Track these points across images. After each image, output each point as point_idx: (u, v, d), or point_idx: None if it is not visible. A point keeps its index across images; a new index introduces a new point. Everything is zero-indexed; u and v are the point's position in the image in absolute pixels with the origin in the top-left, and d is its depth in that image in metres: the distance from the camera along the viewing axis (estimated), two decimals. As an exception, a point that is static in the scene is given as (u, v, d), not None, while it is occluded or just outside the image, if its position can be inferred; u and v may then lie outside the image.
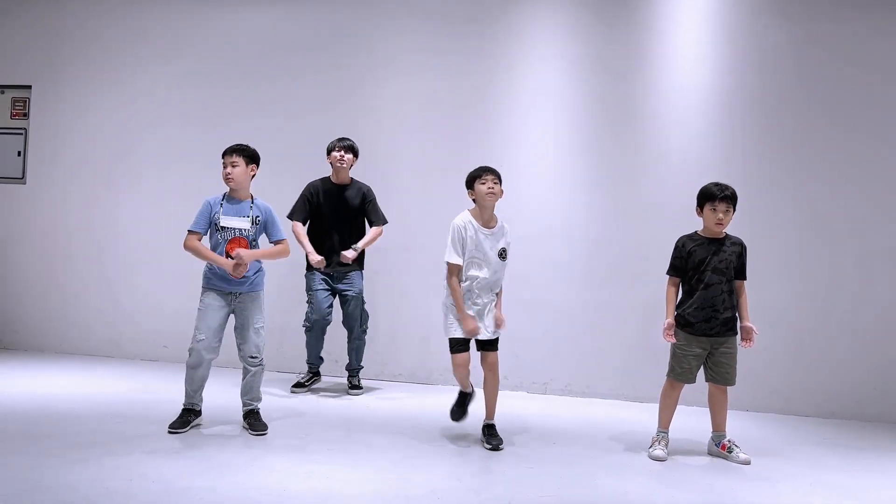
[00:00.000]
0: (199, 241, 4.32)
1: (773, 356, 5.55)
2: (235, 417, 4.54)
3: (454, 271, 4.22)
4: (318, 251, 5.35)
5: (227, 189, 4.40)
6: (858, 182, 5.58)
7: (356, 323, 5.47)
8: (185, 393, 4.38)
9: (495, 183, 4.26)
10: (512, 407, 5.29)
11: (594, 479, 3.76)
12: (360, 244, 5.40)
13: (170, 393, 5.02)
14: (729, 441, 4.26)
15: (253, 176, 4.43)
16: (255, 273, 4.37)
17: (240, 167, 4.33)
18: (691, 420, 4.83)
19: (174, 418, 4.33)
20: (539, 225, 5.91)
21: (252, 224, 4.36)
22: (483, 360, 4.31)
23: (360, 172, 5.61)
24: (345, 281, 5.40)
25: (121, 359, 6.47)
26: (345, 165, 5.42)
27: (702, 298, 4.15)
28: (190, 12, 6.63)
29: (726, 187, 4.18)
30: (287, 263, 5.53)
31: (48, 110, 6.85)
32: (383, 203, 5.60)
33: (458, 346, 4.26)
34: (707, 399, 4.36)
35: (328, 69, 6.33)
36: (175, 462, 3.73)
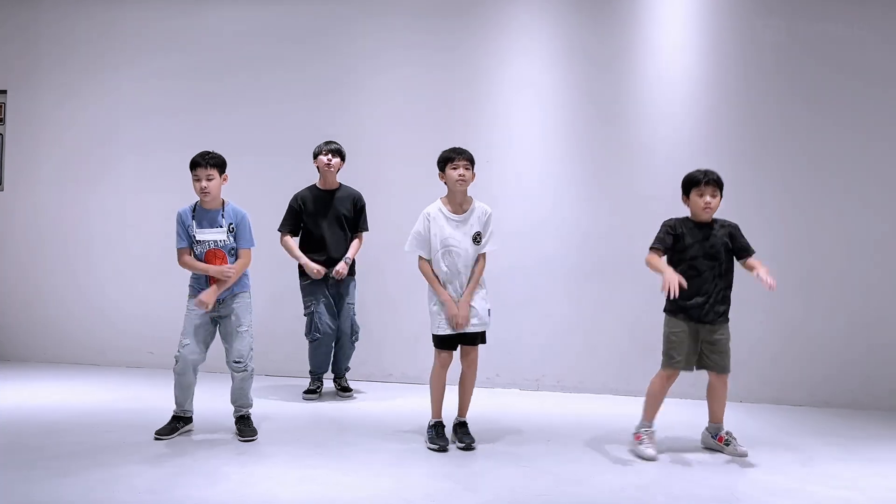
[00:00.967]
0: (189, 255, 4.26)
1: (764, 346, 5.55)
2: (227, 424, 4.47)
3: (420, 261, 4.18)
4: (313, 260, 5.25)
5: (198, 199, 4.29)
6: (844, 172, 5.58)
7: (346, 335, 5.40)
8: (175, 400, 4.31)
9: (467, 168, 4.17)
10: (504, 404, 5.27)
11: (590, 477, 3.72)
12: (349, 255, 5.32)
13: (157, 401, 4.94)
14: (726, 433, 4.22)
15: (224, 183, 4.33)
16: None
17: (215, 180, 4.22)
18: (684, 413, 4.80)
19: (162, 425, 4.25)
20: (527, 220, 5.87)
21: (228, 233, 4.26)
22: (464, 355, 4.23)
23: (346, 171, 5.53)
24: (340, 290, 5.35)
25: (106, 367, 6.36)
26: (332, 170, 5.34)
27: (694, 285, 4.10)
28: (169, 8, 6.51)
29: (710, 172, 4.14)
30: (272, 265, 5.51)
31: (25, 115, 6.72)
32: (370, 201, 5.54)
33: (442, 344, 4.19)
34: (706, 390, 4.30)
35: (311, 65, 6.25)
36: (164, 470, 3.65)
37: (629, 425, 4.72)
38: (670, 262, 4.16)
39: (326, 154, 5.31)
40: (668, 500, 3.43)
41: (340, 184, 5.44)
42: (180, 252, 4.26)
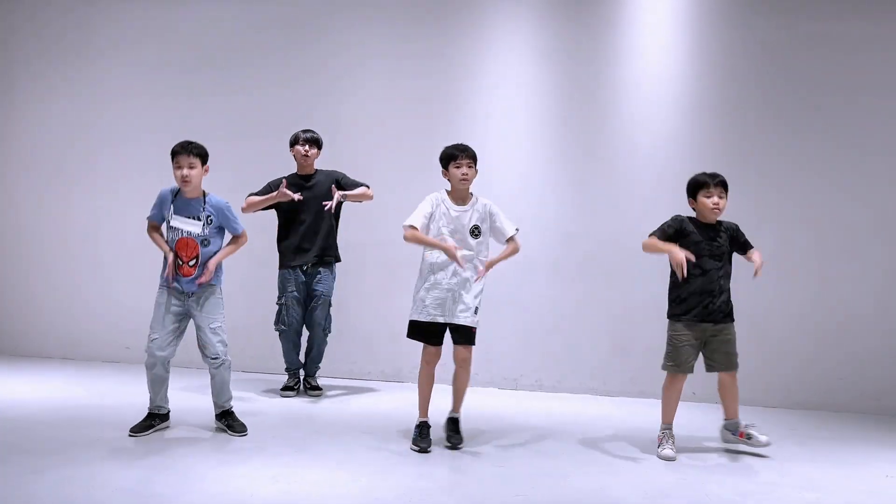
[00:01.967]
0: (157, 231, 4.28)
1: (741, 347, 5.56)
2: (203, 421, 4.44)
3: (408, 232, 4.09)
4: (292, 248, 5.24)
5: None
6: (818, 176, 5.62)
7: (319, 326, 5.35)
8: (150, 396, 4.27)
9: (469, 167, 4.20)
10: (483, 403, 5.26)
11: (566, 477, 3.73)
12: (348, 193, 5.24)
13: (132, 396, 4.89)
14: (745, 426, 4.24)
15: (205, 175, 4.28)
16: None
17: (197, 169, 4.18)
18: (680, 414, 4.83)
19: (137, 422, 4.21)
20: (510, 219, 5.86)
21: (204, 226, 4.22)
22: (455, 355, 4.22)
23: (327, 166, 5.49)
24: (316, 280, 5.30)
25: (80, 361, 6.30)
26: (309, 160, 5.31)
27: (699, 284, 4.13)
28: (151, 9, 6.43)
29: (717, 174, 4.20)
30: (249, 260, 5.46)
31: (3, 114, 6.64)
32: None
33: (422, 335, 4.15)
34: (718, 389, 4.33)
35: (294, 69, 6.21)
36: (137, 468, 3.62)
37: (606, 425, 4.77)
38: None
39: (304, 144, 5.29)
40: (643, 499, 3.45)
41: (317, 170, 5.40)
42: (150, 224, 4.30)
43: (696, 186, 4.20)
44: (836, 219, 5.60)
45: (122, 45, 6.47)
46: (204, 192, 4.29)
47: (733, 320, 4.25)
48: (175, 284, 4.19)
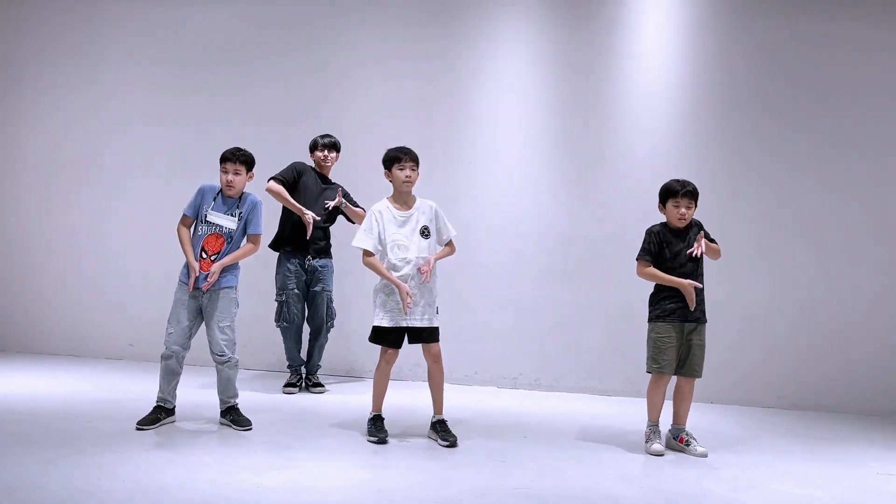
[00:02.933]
0: (190, 226, 4.35)
1: (736, 349, 5.66)
2: (209, 415, 4.51)
3: (365, 256, 4.22)
4: (293, 238, 5.30)
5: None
6: (820, 177, 5.70)
7: (322, 321, 5.44)
8: (159, 386, 4.35)
9: (413, 169, 4.29)
10: (482, 401, 5.34)
11: (565, 473, 3.81)
12: (346, 207, 5.33)
13: (137, 392, 4.97)
14: (686, 434, 4.34)
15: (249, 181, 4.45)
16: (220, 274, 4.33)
17: (241, 175, 4.36)
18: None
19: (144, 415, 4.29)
20: (506, 220, 5.95)
21: (238, 221, 4.35)
22: (425, 351, 4.29)
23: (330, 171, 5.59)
24: (317, 276, 5.38)
25: (86, 358, 6.36)
26: (329, 164, 5.44)
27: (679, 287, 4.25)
28: (154, 8, 6.52)
29: (687, 183, 4.28)
30: (254, 260, 5.53)
31: (6, 111, 6.71)
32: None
33: (384, 339, 4.23)
34: (674, 392, 4.40)
35: (295, 69, 6.28)
36: (146, 460, 3.69)
37: (603, 423, 4.84)
38: (658, 269, 4.30)
39: (323, 150, 5.40)
40: (640, 493, 3.53)
41: (333, 182, 5.50)
42: (183, 218, 4.37)
43: (667, 194, 4.30)
44: (835, 219, 5.67)
45: (125, 44, 6.54)
46: (244, 192, 4.43)
47: (706, 321, 4.34)
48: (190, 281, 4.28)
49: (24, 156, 6.69)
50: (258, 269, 5.71)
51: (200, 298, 4.32)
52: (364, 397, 5.33)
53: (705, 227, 4.36)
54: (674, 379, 4.38)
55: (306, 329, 5.55)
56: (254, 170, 4.44)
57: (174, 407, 4.41)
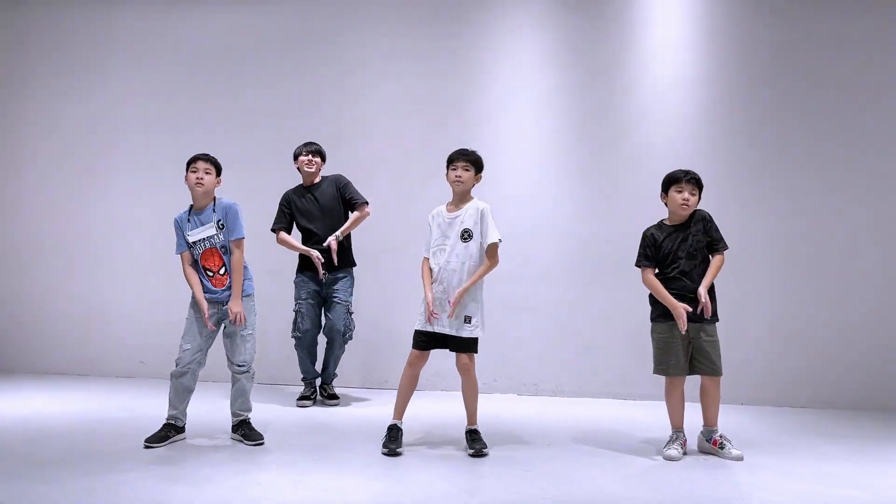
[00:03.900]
0: (190, 260, 4.27)
1: (764, 348, 5.49)
2: (220, 431, 4.38)
3: (424, 263, 4.21)
4: (306, 257, 5.24)
5: (191, 202, 4.28)
6: (843, 173, 5.54)
7: (339, 333, 5.29)
8: (169, 403, 4.23)
9: (465, 170, 4.18)
10: (503, 409, 5.18)
11: (592, 481, 3.63)
12: (339, 231, 5.24)
13: (147, 409, 4.85)
14: (721, 436, 4.14)
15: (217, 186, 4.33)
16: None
17: (212, 175, 4.27)
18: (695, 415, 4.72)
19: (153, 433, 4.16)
20: (524, 223, 5.80)
21: (217, 229, 4.23)
22: (456, 361, 4.16)
23: (339, 172, 5.46)
24: (334, 288, 5.26)
25: (95, 376, 6.25)
26: (313, 169, 5.33)
27: (679, 287, 4.07)
28: (156, 4, 6.44)
29: (690, 171, 4.16)
30: (264, 269, 5.41)
31: (12, 120, 6.65)
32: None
33: (415, 339, 4.17)
34: (699, 393, 4.21)
35: (303, 73, 6.21)
36: (154, 478, 3.55)
37: (629, 428, 4.67)
38: (656, 273, 4.17)
39: (307, 154, 5.31)
40: (674, 499, 3.35)
41: (322, 177, 5.40)
42: (182, 259, 4.29)
43: (670, 181, 4.17)
44: (863, 217, 5.51)
45: (131, 51, 6.47)
46: (214, 197, 4.31)
47: (718, 319, 4.14)
48: (208, 295, 4.22)
49: (31, 168, 6.59)
50: (272, 278, 5.56)
51: (220, 310, 4.25)
52: (378, 409, 5.20)
53: (709, 215, 4.18)
54: (698, 380, 4.19)
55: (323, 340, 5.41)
56: (221, 177, 4.35)
57: (184, 426, 4.27)
